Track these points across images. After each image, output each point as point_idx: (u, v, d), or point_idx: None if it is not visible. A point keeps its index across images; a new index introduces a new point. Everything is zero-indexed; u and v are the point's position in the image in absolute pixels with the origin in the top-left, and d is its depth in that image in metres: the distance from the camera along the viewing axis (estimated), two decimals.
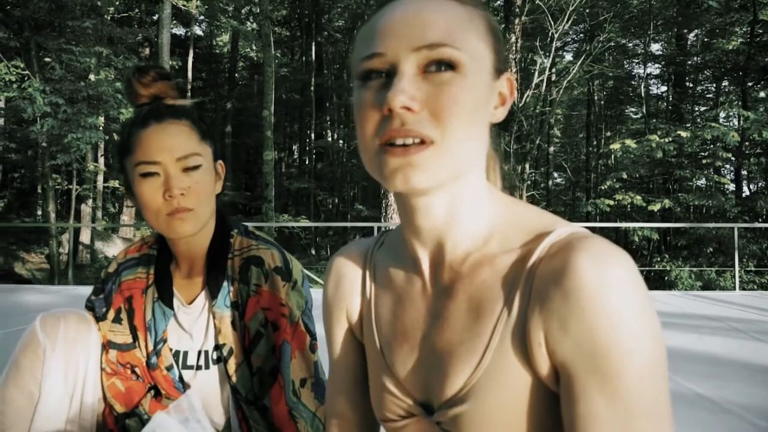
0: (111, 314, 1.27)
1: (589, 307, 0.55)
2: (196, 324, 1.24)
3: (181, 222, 1.11)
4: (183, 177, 1.12)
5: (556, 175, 29.67)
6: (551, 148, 26.48)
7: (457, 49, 0.60)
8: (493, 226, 0.68)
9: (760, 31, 16.98)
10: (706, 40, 20.34)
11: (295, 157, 31.34)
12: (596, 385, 0.55)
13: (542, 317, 0.58)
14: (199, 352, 1.23)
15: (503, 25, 13.86)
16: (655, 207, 14.54)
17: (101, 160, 16.61)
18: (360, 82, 0.63)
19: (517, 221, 0.68)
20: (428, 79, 0.60)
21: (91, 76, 13.11)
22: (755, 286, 12.61)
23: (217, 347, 1.22)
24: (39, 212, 17.34)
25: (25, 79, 12.21)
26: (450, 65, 0.60)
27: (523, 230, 0.66)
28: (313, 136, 26.85)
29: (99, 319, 1.27)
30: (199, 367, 1.23)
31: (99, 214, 17.88)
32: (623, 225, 14.47)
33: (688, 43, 20.68)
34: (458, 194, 0.65)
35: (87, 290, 6.41)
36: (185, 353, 1.24)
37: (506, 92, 0.68)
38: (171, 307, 1.23)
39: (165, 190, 1.10)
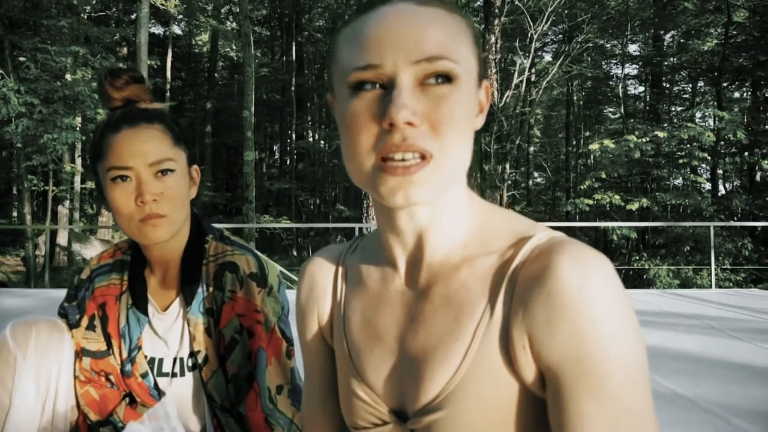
0: (84, 321, 1.25)
1: (573, 308, 0.55)
2: (171, 331, 1.22)
3: (154, 228, 1.10)
4: (155, 182, 1.10)
5: (536, 174, 29.92)
6: (531, 148, 26.68)
7: (453, 61, 0.60)
8: (472, 229, 0.68)
9: (735, 32, 17.26)
10: (682, 41, 20.66)
11: (276, 157, 31.22)
12: (585, 386, 0.55)
13: (526, 320, 0.58)
14: (174, 359, 1.22)
15: (483, 26, 13.92)
16: (634, 206, 14.72)
17: (78, 160, 16.39)
18: (350, 91, 0.62)
19: (496, 225, 0.68)
20: (426, 91, 0.59)
21: (68, 76, 12.92)
22: (731, 284, 12.81)
23: (192, 354, 1.20)
24: (14, 214, 17.05)
25: None
26: (447, 78, 0.60)
27: (502, 234, 0.66)
28: (294, 136, 26.76)
29: (72, 326, 1.25)
30: (174, 375, 1.22)
31: (76, 215, 17.63)
32: (602, 224, 14.62)
33: (665, 44, 20.98)
34: (443, 199, 0.66)
35: (64, 293, 6.29)
36: (160, 360, 1.22)
37: (484, 100, 0.68)
38: (146, 313, 1.22)
39: (137, 196, 1.08)
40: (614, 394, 0.54)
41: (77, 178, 16.47)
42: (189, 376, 1.21)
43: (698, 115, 18.81)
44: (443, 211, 0.66)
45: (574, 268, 0.56)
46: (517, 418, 0.61)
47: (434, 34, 0.60)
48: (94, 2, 15.85)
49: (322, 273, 0.82)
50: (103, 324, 1.24)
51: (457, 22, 0.63)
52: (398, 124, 0.57)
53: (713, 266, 8.75)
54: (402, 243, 0.69)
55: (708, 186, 17.91)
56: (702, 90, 21.83)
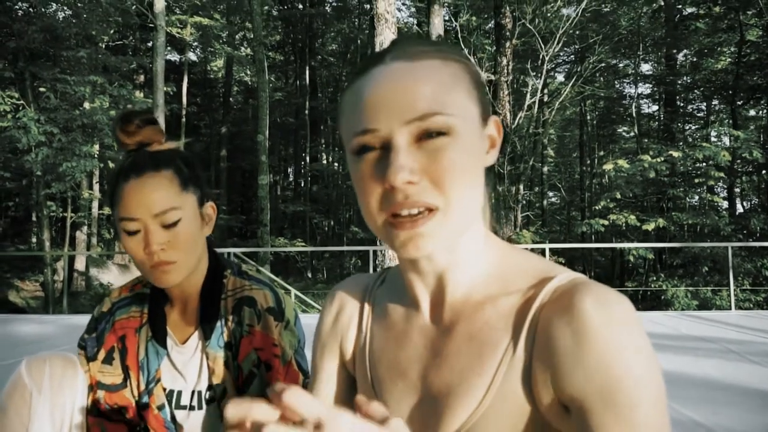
0: (102, 354, 1.27)
1: (600, 342, 0.57)
2: (190, 364, 1.24)
3: (165, 274, 1.12)
4: (162, 232, 1.12)
5: (551, 194, 29.81)
6: (545, 168, 26.63)
7: (447, 114, 0.61)
8: (491, 268, 0.70)
9: (748, 51, 17.22)
10: (694, 60, 20.62)
11: (291, 179, 31.43)
12: (614, 417, 0.56)
13: (549, 357, 0.60)
14: (193, 392, 1.23)
15: (494, 48, 14.02)
16: (650, 226, 14.59)
17: (96, 186, 16.63)
18: (354, 155, 0.65)
19: (515, 265, 0.70)
20: (423, 146, 0.61)
21: (86, 105, 13.19)
22: (751, 305, 12.61)
23: (210, 387, 1.22)
24: (34, 240, 17.29)
25: (20, 108, 12.27)
26: (442, 131, 0.61)
27: (522, 274, 0.68)
28: (308, 158, 26.96)
29: (90, 359, 1.27)
30: (192, 408, 1.23)
31: (94, 240, 17.84)
32: (618, 245, 14.49)
33: (678, 63, 20.94)
34: (459, 240, 0.68)
35: (81, 319, 6.34)
36: (179, 393, 1.24)
37: (495, 134, 0.69)
38: (164, 346, 1.23)
39: (145, 246, 1.11)
40: (642, 425, 0.56)
41: (95, 204, 16.70)
42: (206, 409, 1.23)
43: (713, 133, 18.71)
44: (461, 251, 0.68)
45: (598, 305, 0.58)
46: None
47: (426, 91, 0.61)
48: (111, 32, 16.20)
49: (350, 302, 0.84)
50: (122, 356, 1.26)
51: (453, 71, 0.65)
52: (398, 186, 0.60)
53: (732, 287, 8.63)
54: (424, 282, 0.71)
55: (725, 205, 17.74)
56: (716, 108, 21.72)
